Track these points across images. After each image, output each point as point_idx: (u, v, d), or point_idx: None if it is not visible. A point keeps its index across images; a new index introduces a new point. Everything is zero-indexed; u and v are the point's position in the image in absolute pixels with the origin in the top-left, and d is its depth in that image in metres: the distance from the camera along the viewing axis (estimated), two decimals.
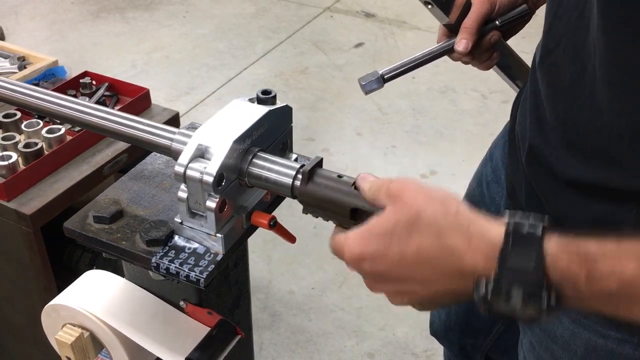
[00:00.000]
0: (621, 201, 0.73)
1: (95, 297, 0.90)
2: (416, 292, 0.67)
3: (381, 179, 0.70)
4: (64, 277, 1.44)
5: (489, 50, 1.09)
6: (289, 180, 0.76)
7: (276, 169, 0.77)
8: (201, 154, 0.76)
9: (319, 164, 0.76)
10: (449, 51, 1.08)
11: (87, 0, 4.25)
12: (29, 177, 1.45)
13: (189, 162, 0.74)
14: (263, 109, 0.81)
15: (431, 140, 3.03)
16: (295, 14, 4.14)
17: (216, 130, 0.77)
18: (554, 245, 0.60)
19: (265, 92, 0.84)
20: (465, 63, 1.12)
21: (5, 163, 1.42)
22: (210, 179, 0.73)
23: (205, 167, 0.74)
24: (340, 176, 0.74)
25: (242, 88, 3.39)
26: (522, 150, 0.90)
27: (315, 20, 4.08)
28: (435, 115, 3.20)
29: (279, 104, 0.84)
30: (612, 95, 0.70)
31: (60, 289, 1.30)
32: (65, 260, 1.76)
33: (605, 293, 0.58)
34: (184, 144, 0.78)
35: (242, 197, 0.81)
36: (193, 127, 0.93)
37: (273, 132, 0.83)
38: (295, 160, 0.89)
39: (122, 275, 0.95)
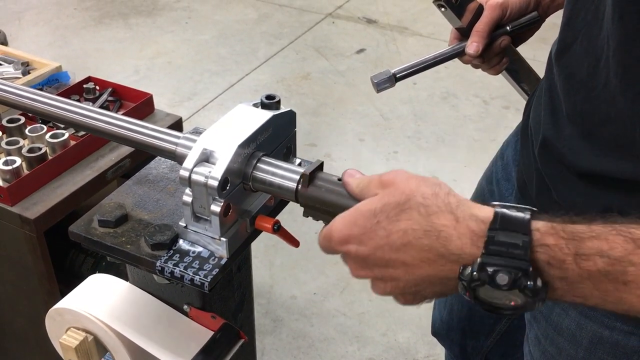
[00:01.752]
0: (632, 192, 0.75)
1: (100, 301, 0.91)
2: (399, 278, 0.65)
3: (369, 175, 0.70)
4: (67, 281, 1.45)
5: (498, 55, 1.12)
6: (293, 185, 0.76)
7: (280, 173, 0.77)
8: (206, 158, 0.76)
9: (320, 167, 0.77)
10: (460, 53, 1.11)
11: (90, 7, 4.27)
12: (33, 182, 1.46)
13: (194, 166, 0.75)
14: (267, 114, 0.81)
15: (433, 145, 3.04)
16: (297, 20, 4.15)
17: (221, 135, 0.77)
18: (542, 225, 0.59)
19: (269, 97, 0.84)
20: (475, 66, 1.15)
21: (9, 168, 1.42)
22: (215, 183, 0.73)
23: (210, 172, 0.74)
24: (340, 179, 0.75)
25: (245, 94, 3.40)
26: (535, 143, 0.92)
27: (317, 26, 4.09)
28: (437, 121, 3.21)
29: (283, 108, 0.85)
30: (625, 84, 0.72)
31: (63, 293, 1.30)
32: (68, 264, 1.76)
33: (593, 272, 0.57)
34: (189, 148, 0.78)
35: (246, 202, 0.81)
36: (197, 131, 0.93)
37: (277, 136, 0.83)
38: (299, 164, 0.90)
39: (125, 279, 0.96)
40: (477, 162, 2.75)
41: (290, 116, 0.86)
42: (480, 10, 1.07)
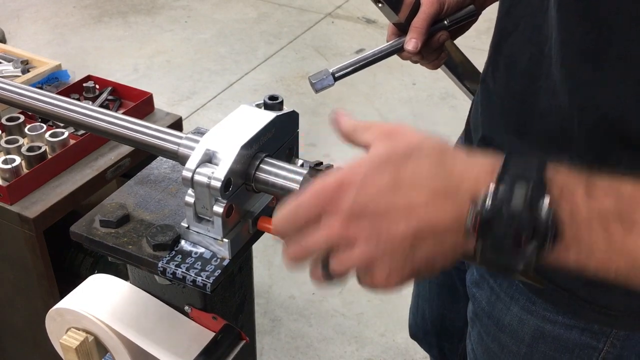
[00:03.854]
0: None
1: (100, 301, 0.90)
2: (396, 229, 0.57)
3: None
4: (66, 281, 1.44)
5: (437, 50, 1.09)
6: (295, 186, 0.76)
7: (283, 174, 0.77)
8: (209, 159, 0.76)
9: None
10: (398, 50, 1.08)
11: (89, 5, 4.26)
12: (32, 181, 1.45)
13: (197, 167, 0.75)
14: (270, 115, 0.81)
15: None
16: (297, 19, 4.15)
17: (224, 136, 0.77)
18: (553, 165, 0.57)
19: (272, 97, 0.84)
20: (414, 62, 1.12)
21: (9, 166, 1.42)
22: (218, 184, 0.73)
23: (212, 172, 0.74)
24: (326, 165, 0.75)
25: (244, 93, 3.40)
26: (474, 140, 0.91)
27: (316, 25, 4.09)
28: (436, 122, 3.20)
29: (286, 109, 0.84)
30: (565, 75, 0.71)
31: (61, 292, 1.30)
32: (66, 264, 1.76)
33: (602, 211, 0.54)
34: (192, 148, 0.78)
35: (248, 203, 0.81)
36: (199, 132, 0.93)
37: (280, 137, 0.83)
38: (301, 165, 0.90)
39: (125, 279, 0.95)
40: None
41: (293, 117, 0.86)
42: (417, 5, 1.04)
